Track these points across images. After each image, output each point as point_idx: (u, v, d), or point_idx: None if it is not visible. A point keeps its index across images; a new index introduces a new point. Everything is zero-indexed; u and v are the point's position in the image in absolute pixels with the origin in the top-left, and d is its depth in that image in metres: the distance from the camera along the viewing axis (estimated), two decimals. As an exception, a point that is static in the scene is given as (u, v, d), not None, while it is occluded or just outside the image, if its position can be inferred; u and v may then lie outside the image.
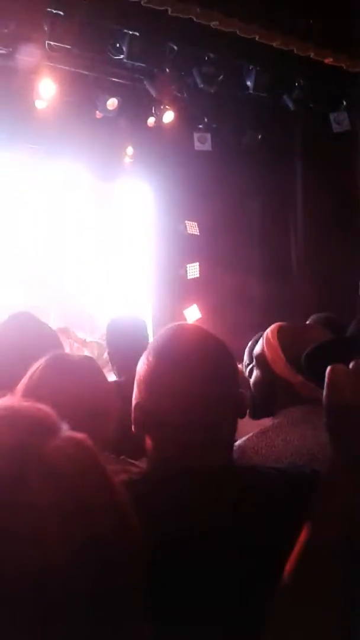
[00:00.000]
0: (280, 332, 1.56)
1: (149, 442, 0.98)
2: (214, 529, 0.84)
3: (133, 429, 0.99)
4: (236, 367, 1.05)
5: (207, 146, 6.08)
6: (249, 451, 1.41)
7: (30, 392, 1.17)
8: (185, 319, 5.68)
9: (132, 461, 1.37)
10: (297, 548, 0.72)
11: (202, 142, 6.04)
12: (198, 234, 6.22)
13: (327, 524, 0.71)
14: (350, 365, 0.72)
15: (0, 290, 5.52)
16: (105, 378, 1.43)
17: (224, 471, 0.93)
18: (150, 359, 0.98)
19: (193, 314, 5.98)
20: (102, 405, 1.29)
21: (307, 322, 1.57)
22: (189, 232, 6.28)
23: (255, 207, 6.67)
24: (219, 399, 0.94)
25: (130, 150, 5.94)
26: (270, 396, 1.55)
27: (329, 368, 0.73)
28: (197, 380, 0.92)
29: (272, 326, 1.60)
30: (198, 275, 6.38)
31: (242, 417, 1.02)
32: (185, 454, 0.92)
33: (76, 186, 5.95)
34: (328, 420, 0.73)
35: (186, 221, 6.28)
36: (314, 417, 1.34)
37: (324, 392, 0.72)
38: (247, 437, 1.47)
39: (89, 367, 1.34)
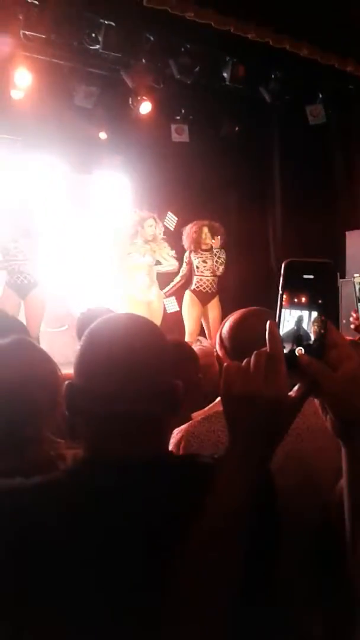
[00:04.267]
0: (225, 324, 1.63)
1: (80, 424, 1.01)
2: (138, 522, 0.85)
3: (65, 411, 1.02)
4: (166, 358, 1.01)
5: (185, 137, 6.11)
6: (189, 436, 1.46)
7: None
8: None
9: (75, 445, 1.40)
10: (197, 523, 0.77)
11: (180, 134, 6.07)
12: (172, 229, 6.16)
13: (222, 504, 0.77)
14: (243, 363, 0.78)
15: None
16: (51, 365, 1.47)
17: (151, 463, 0.93)
18: (82, 342, 1.02)
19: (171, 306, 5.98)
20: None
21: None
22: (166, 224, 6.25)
23: (233, 198, 6.71)
24: (141, 387, 0.94)
25: (103, 135, 5.93)
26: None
27: (224, 365, 0.80)
28: (116, 366, 0.94)
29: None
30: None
31: (176, 410, 1.00)
32: (107, 443, 0.95)
33: (53, 178, 5.94)
34: (224, 410, 0.79)
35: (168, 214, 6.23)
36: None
37: (220, 386, 0.79)
38: (190, 422, 1.53)
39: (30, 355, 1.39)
